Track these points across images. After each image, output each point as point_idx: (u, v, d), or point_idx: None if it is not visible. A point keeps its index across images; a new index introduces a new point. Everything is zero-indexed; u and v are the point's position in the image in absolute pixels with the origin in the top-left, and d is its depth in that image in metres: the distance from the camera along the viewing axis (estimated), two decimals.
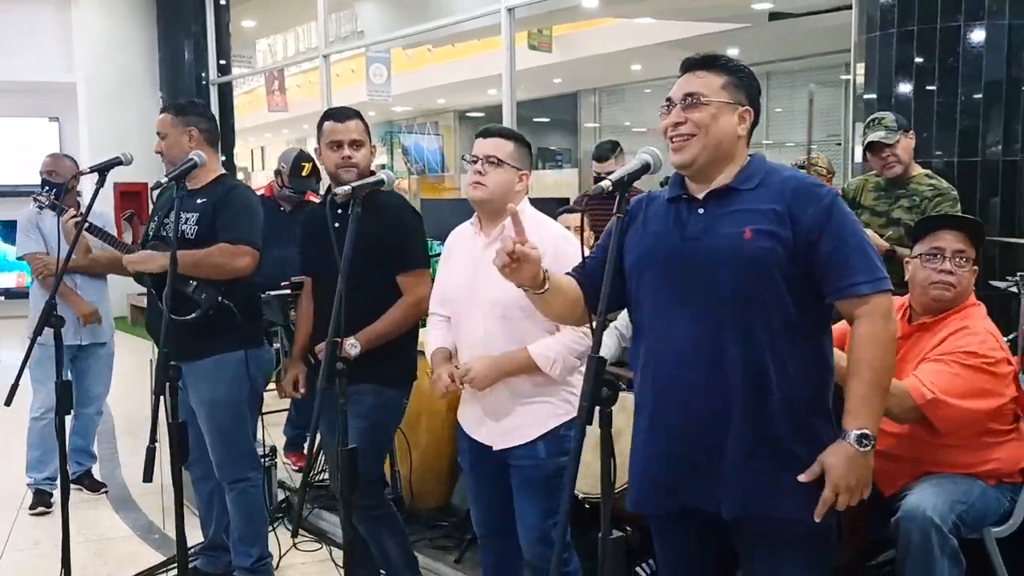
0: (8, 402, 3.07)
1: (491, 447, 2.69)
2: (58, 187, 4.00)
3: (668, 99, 2.08)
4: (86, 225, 3.32)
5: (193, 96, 10.20)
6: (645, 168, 1.90)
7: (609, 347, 3.60)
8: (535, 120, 17.52)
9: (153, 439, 2.58)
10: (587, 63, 13.82)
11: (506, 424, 2.65)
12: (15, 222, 4.64)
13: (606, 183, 1.78)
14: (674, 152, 2.03)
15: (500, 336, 2.60)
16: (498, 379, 2.60)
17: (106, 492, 4.74)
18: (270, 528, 4.08)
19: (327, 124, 3.04)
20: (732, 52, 13.21)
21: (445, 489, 4.18)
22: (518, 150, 2.68)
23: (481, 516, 2.85)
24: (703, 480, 2.03)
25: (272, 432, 4.84)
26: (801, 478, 1.96)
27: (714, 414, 2.00)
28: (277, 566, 3.77)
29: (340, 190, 2.46)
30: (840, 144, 11.95)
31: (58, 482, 4.50)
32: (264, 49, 19.03)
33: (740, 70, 2.07)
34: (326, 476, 4.48)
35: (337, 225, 2.91)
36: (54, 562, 3.81)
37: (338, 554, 3.81)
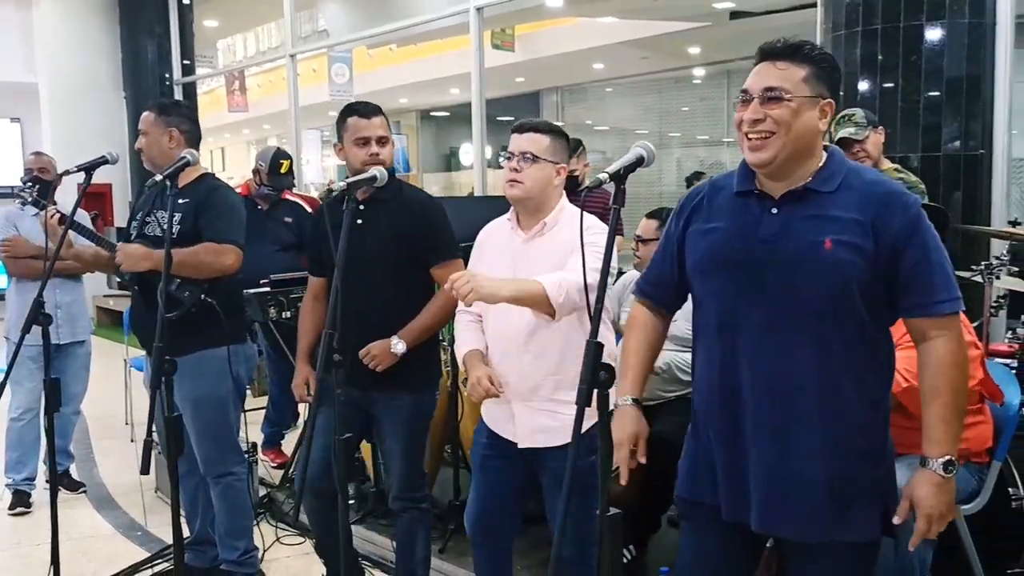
0: None
1: (515, 444, 2.66)
2: (43, 184, 3.99)
3: (744, 91, 1.92)
4: (72, 223, 3.32)
5: (156, 96, 10.17)
6: (639, 161, 1.89)
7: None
8: (498, 119, 17.52)
9: (150, 432, 2.60)
10: (549, 62, 13.90)
11: (539, 423, 2.61)
12: None
13: (603, 175, 1.83)
14: (751, 150, 1.90)
15: (538, 332, 2.57)
16: (502, 298, 2.45)
17: (84, 491, 4.74)
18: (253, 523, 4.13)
19: (352, 120, 2.99)
20: (693, 51, 13.43)
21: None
22: (554, 143, 2.63)
23: (479, 513, 2.80)
24: (755, 493, 1.97)
25: (250, 430, 4.87)
26: (896, 520, 1.92)
27: (782, 429, 1.93)
28: (261, 559, 3.81)
29: (336, 186, 2.48)
30: None
31: (36, 482, 4.54)
32: (224, 49, 18.89)
33: (823, 59, 1.93)
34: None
35: (359, 221, 2.88)
36: (35, 561, 3.86)
37: None
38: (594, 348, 1.79)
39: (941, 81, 4.16)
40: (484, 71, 6.93)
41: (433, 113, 19.43)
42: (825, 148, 1.97)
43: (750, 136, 1.90)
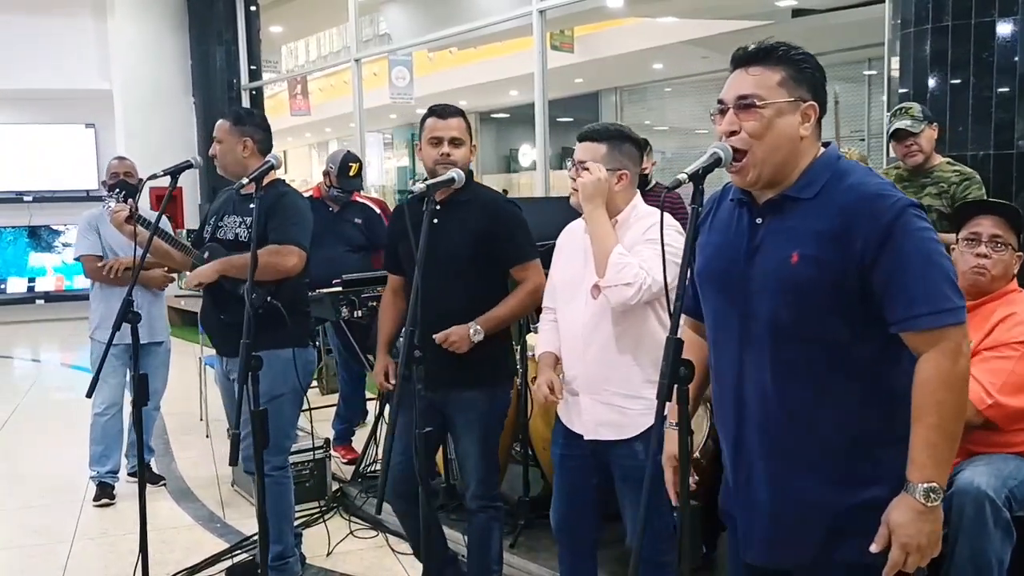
0: (89, 394, 3.22)
1: (583, 435, 2.72)
2: (129, 188, 4.14)
3: (720, 101, 1.84)
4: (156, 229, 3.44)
5: (224, 101, 10.44)
6: (716, 162, 1.84)
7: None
8: (558, 120, 17.61)
9: (237, 425, 2.70)
10: (608, 63, 13.92)
11: (601, 417, 2.68)
12: (47, 227, 4.76)
13: (682, 176, 1.85)
14: (733, 173, 1.84)
15: (601, 326, 2.64)
16: (589, 206, 2.59)
17: (164, 484, 4.91)
18: (323, 519, 4.25)
19: (429, 120, 3.03)
20: None
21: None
22: (612, 150, 2.65)
23: (563, 512, 2.85)
24: (742, 509, 1.98)
25: (323, 427, 5.00)
26: (872, 549, 1.75)
27: (760, 451, 1.89)
28: (330, 553, 3.93)
29: (416, 187, 2.57)
30: (864, 139, 12.02)
31: (120, 475, 4.71)
32: (286, 53, 19.24)
33: (802, 60, 1.82)
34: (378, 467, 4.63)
35: (436, 221, 2.92)
36: (122, 550, 4.01)
37: (395, 541, 3.95)
38: (674, 344, 1.83)
39: (1014, 78, 4.11)
40: (547, 73, 6.97)
41: (493, 115, 19.53)
42: (826, 145, 1.89)
43: (732, 159, 1.82)
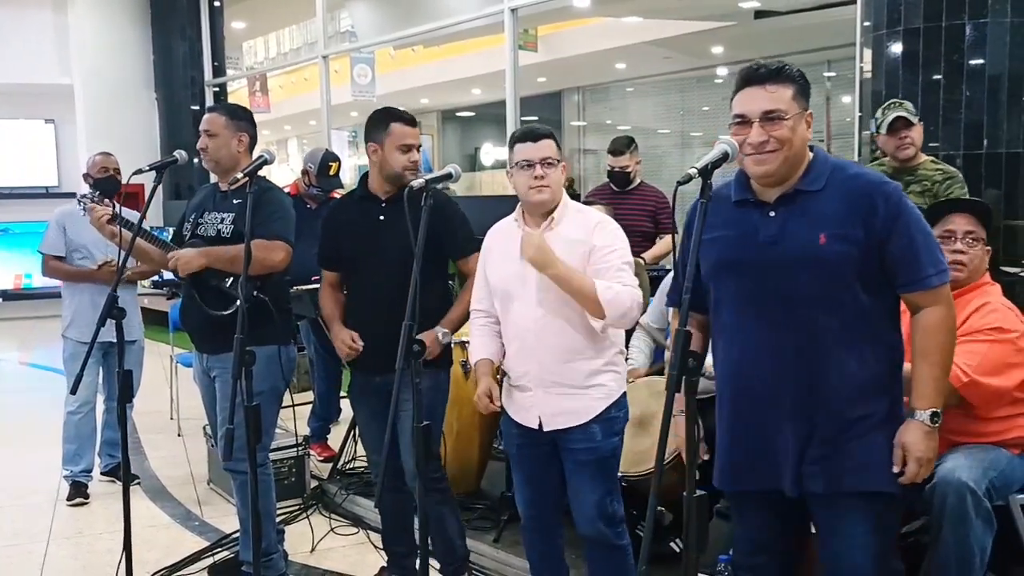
0: (73, 390, 3.22)
1: (540, 428, 2.78)
2: (110, 186, 4.09)
3: (740, 116, 2.12)
4: (137, 229, 3.39)
5: (188, 98, 10.34)
6: (724, 157, 1.99)
7: (643, 353, 3.78)
8: (521, 119, 17.64)
9: (231, 421, 2.69)
10: (571, 62, 13.94)
11: (557, 407, 2.75)
12: (12, 224, 4.70)
13: (691, 170, 1.91)
14: (756, 164, 2.12)
15: (552, 321, 2.71)
16: (557, 272, 2.60)
17: (139, 483, 4.85)
18: (305, 515, 4.23)
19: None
20: (717, 50, 13.45)
21: (475, 475, 4.33)
22: (558, 147, 2.78)
23: (528, 499, 2.92)
24: (780, 463, 2.20)
25: (298, 425, 4.97)
26: (895, 468, 2.14)
27: (803, 407, 2.16)
28: (313, 550, 3.93)
29: (416, 183, 2.59)
30: (823, 140, 12.19)
31: (93, 474, 4.65)
32: (246, 50, 19.03)
33: (800, 76, 2.15)
34: (359, 464, 4.63)
35: (382, 218, 3.11)
36: (99, 549, 3.98)
37: (375, 537, 3.95)
38: (683, 336, 1.87)
39: (983, 80, 4.21)
40: (518, 71, 7.00)
41: (456, 113, 19.50)
42: (810, 148, 2.18)
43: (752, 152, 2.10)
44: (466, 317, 3.12)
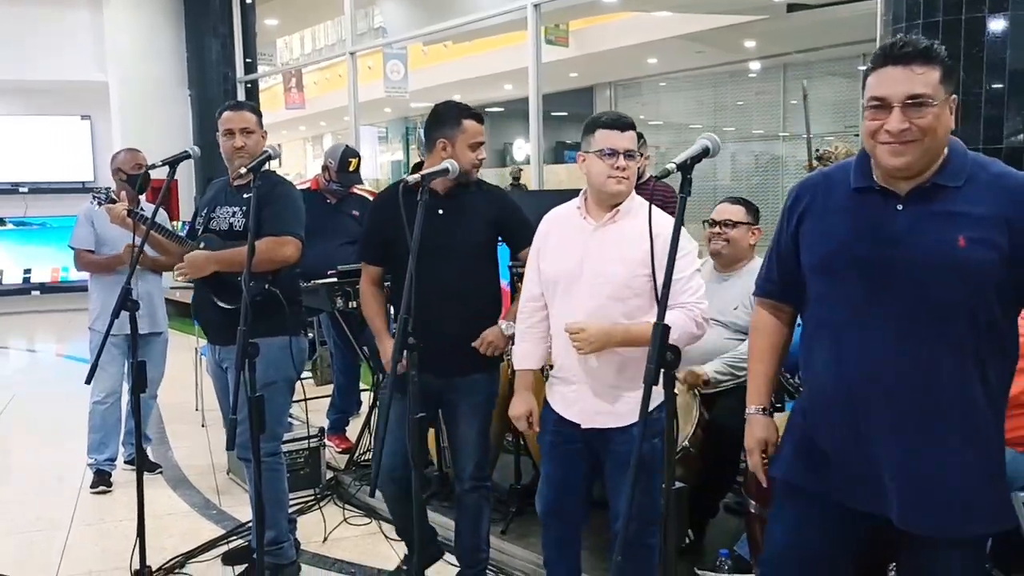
0: (88, 380, 3.25)
1: (579, 424, 2.73)
2: (144, 178, 4.18)
3: (878, 99, 1.86)
4: (154, 225, 3.46)
5: (221, 95, 10.46)
6: (705, 152, 1.94)
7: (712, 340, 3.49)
8: (553, 114, 17.68)
9: (235, 412, 2.74)
10: (603, 57, 13.95)
11: (600, 406, 2.69)
12: (49, 218, 4.79)
13: (670, 165, 1.91)
14: (892, 155, 1.86)
15: (608, 314, 2.64)
16: (605, 347, 2.59)
17: (160, 472, 4.95)
18: (318, 506, 4.30)
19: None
20: (749, 44, 13.34)
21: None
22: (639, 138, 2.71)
23: (550, 497, 2.86)
24: (877, 484, 1.97)
25: (317, 417, 5.04)
26: None
27: (918, 426, 1.91)
28: (325, 539, 3.98)
29: (411, 178, 2.62)
30: (859, 135, 12.07)
31: (117, 463, 4.76)
32: (281, 46, 19.24)
33: (947, 56, 1.87)
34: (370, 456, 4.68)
35: (441, 212, 3.01)
36: (119, 536, 4.06)
37: (387, 527, 4.00)
38: (661, 330, 1.88)
39: (1004, 74, 4.15)
40: (542, 66, 7.00)
41: (488, 109, 19.56)
42: None
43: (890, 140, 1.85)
44: None
